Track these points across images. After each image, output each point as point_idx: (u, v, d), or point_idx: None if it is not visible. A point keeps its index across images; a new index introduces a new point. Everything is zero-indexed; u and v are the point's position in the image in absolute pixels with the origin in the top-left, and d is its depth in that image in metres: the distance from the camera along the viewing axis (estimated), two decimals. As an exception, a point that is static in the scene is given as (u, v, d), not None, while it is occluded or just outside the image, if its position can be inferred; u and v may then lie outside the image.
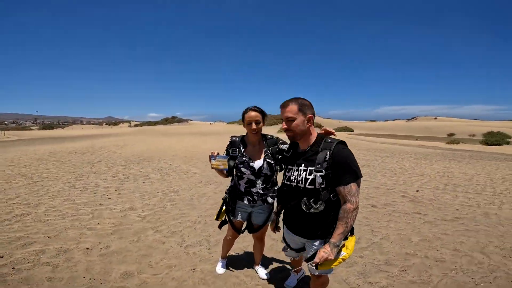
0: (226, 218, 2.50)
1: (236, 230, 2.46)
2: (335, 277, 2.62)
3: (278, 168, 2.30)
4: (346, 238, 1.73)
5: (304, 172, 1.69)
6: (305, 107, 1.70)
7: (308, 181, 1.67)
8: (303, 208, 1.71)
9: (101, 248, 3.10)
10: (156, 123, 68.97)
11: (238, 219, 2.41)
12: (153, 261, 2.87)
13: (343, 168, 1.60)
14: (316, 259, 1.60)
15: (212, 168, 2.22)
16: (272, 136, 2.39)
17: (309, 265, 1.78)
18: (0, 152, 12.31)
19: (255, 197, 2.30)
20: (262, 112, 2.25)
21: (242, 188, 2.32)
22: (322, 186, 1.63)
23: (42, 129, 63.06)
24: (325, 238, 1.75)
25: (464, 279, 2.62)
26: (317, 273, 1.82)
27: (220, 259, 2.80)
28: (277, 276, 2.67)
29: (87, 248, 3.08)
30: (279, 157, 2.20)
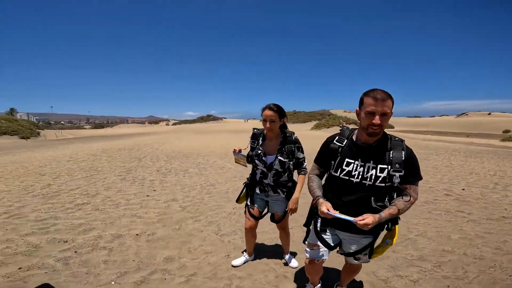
0: (247, 204, 2.61)
1: (253, 216, 2.53)
2: (364, 269, 2.66)
3: (292, 167, 2.36)
4: (394, 225, 1.73)
5: (374, 170, 1.61)
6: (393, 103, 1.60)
7: (380, 179, 1.60)
8: (373, 205, 1.63)
9: (148, 235, 3.42)
10: (192, 121, 71.84)
11: (255, 206, 2.53)
12: (192, 247, 3.12)
13: (415, 169, 1.61)
14: (359, 219, 1.52)
15: (235, 161, 2.51)
16: (292, 135, 2.41)
17: (352, 257, 1.85)
18: (60, 149, 13.91)
19: (266, 188, 2.44)
20: (279, 111, 2.30)
21: (257, 177, 2.48)
22: (398, 186, 1.60)
23: (94, 128, 69.26)
24: (375, 234, 1.76)
25: (501, 276, 2.52)
26: (358, 262, 1.89)
27: (244, 254, 2.84)
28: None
29: (137, 235, 3.42)
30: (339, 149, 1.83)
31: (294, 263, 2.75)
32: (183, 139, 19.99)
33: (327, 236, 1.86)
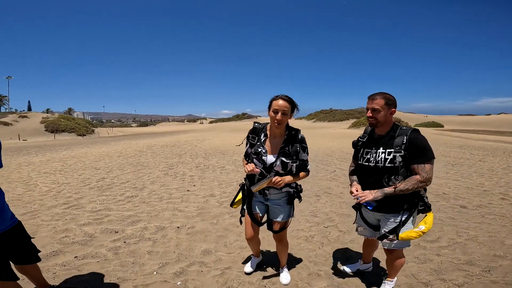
0: (243, 209, 2.36)
1: (255, 221, 2.28)
2: (403, 271, 2.57)
3: (294, 169, 2.12)
4: (424, 213, 2.03)
5: (383, 154, 1.96)
6: (390, 101, 1.96)
7: (388, 160, 1.93)
8: (384, 183, 1.95)
9: (188, 228, 3.62)
10: (228, 120, 73.55)
11: (256, 211, 2.27)
12: (228, 242, 3.24)
13: (419, 150, 1.87)
14: (360, 193, 1.94)
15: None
16: (299, 132, 2.16)
17: (385, 241, 2.04)
18: (112, 145, 15.22)
19: (265, 191, 2.18)
20: (292, 103, 2.04)
21: (255, 179, 2.16)
22: (401, 164, 1.90)
23: (140, 126, 74.36)
24: (399, 212, 1.98)
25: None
26: (392, 247, 2.03)
27: (251, 257, 2.67)
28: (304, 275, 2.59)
29: (178, 227, 3.63)
30: (359, 143, 2.15)
31: (285, 279, 2.42)
32: (220, 137, 20.60)
33: (366, 215, 2.23)
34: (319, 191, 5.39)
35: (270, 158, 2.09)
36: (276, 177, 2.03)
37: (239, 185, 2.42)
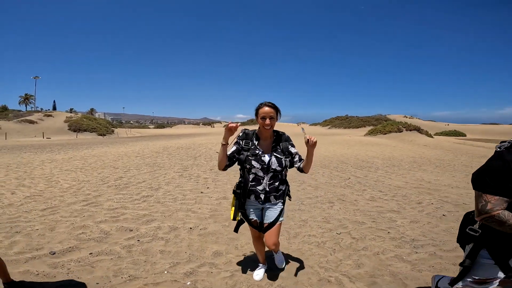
0: (242, 218, 2.41)
1: (256, 228, 2.34)
2: (417, 280, 2.47)
3: (288, 164, 2.29)
4: None
5: None
6: None
7: None
8: None
9: (200, 229, 3.65)
10: (243, 124, 74.08)
11: (252, 217, 2.33)
12: (239, 244, 3.24)
13: None
14: None
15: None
16: (284, 133, 2.39)
17: None
18: (130, 145, 15.66)
19: (261, 195, 2.25)
20: (276, 108, 2.25)
21: (249, 185, 2.25)
22: None
23: (157, 128, 76.15)
24: None
25: None
26: None
27: (259, 264, 2.67)
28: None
29: (190, 228, 3.67)
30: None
31: (257, 275, 2.55)
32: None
33: None
34: (332, 197, 5.31)
35: (267, 157, 2.24)
36: (308, 135, 2.13)
37: (234, 196, 2.37)
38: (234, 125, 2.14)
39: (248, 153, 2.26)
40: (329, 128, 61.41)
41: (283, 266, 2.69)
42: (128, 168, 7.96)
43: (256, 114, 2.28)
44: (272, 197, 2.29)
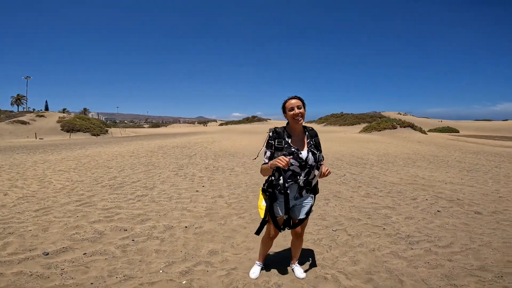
0: (268, 218, 2.37)
1: (279, 228, 2.35)
2: (413, 276, 2.51)
3: (322, 158, 2.27)
4: None
5: None
6: None
7: None
8: None
9: (196, 228, 3.63)
10: (238, 122, 73.91)
11: (281, 214, 2.30)
12: (235, 243, 3.23)
13: None
14: None
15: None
16: (312, 128, 2.35)
17: None
18: (124, 145, 15.53)
19: (296, 192, 2.25)
20: (302, 100, 2.21)
21: (282, 182, 2.20)
22: None
23: (152, 127, 75.68)
24: None
25: None
26: None
27: (256, 262, 2.68)
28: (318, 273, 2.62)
29: (186, 227, 3.64)
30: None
31: (301, 273, 2.55)
32: (230, 139, 20.71)
33: None
34: (328, 194, 5.32)
35: (304, 154, 2.19)
36: (323, 166, 2.13)
37: (265, 193, 2.29)
38: (285, 163, 1.99)
39: (284, 152, 2.16)
40: (324, 125, 61.63)
41: (305, 275, 2.55)
42: (122, 168, 7.88)
43: (284, 109, 2.24)
44: (304, 192, 2.28)
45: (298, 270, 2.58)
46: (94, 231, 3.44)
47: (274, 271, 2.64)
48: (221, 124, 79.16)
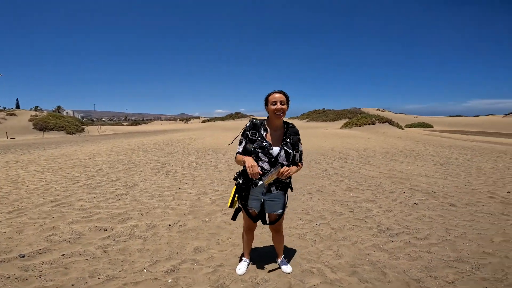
0: (240, 206, 2.37)
1: (252, 218, 2.34)
2: (395, 268, 2.59)
3: (298, 158, 2.24)
4: None
5: None
6: None
7: None
8: None
9: (179, 226, 3.57)
10: (221, 119, 73.39)
11: (251, 207, 2.29)
12: (220, 239, 3.21)
13: None
14: None
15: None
16: (294, 125, 2.29)
17: None
18: (102, 143, 14.98)
19: (265, 187, 2.20)
20: (286, 95, 2.16)
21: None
22: None
23: (131, 125, 73.56)
24: None
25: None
26: None
27: (242, 258, 2.67)
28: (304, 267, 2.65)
29: (169, 225, 3.58)
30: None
31: (287, 268, 2.56)
32: (213, 135, 20.52)
33: None
34: (311, 189, 5.40)
35: (275, 150, 2.15)
36: (284, 167, 2.07)
37: (235, 184, 2.29)
38: (252, 172, 2.01)
39: (255, 145, 2.15)
40: (307, 121, 62.44)
41: (291, 270, 2.57)
42: (100, 167, 7.60)
43: (266, 102, 2.18)
44: (274, 189, 2.24)
45: (285, 265, 2.60)
46: (72, 232, 3.31)
47: (260, 266, 2.65)
48: (204, 121, 78.20)
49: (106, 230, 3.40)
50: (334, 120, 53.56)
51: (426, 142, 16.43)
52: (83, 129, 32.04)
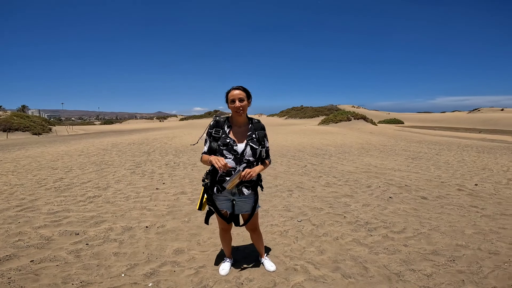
0: (211, 208, 2.30)
1: (225, 219, 2.26)
2: (376, 262, 2.65)
3: (264, 154, 2.21)
4: None
5: None
6: None
7: None
8: None
9: (158, 227, 3.45)
10: (200, 117, 72.34)
11: (221, 208, 2.23)
12: (201, 240, 3.14)
13: None
14: None
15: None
16: (259, 121, 2.26)
17: None
18: (72, 144, 14.17)
19: (241, 189, 2.15)
20: (246, 91, 2.11)
21: (218, 174, 2.13)
22: None
23: (104, 124, 70.42)
24: None
25: (518, 272, 2.45)
26: None
27: (225, 258, 2.62)
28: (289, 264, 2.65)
29: (147, 227, 3.44)
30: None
31: (271, 266, 2.53)
32: (192, 134, 20.11)
33: None
34: (291, 185, 5.43)
35: (240, 147, 2.10)
36: (246, 170, 2.01)
37: (203, 185, 2.22)
38: (220, 165, 1.93)
39: (219, 143, 2.09)
40: (286, 118, 63.07)
41: (275, 268, 2.54)
42: (70, 168, 7.16)
43: (226, 99, 2.13)
44: (243, 188, 2.18)
45: (268, 263, 2.57)
46: (41, 237, 3.12)
47: (244, 266, 2.61)
48: (182, 119, 76.54)
49: (78, 234, 3.23)
50: (312, 117, 54.54)
51: (398, 138, 17.18)
52: (50, 129, 30.18)
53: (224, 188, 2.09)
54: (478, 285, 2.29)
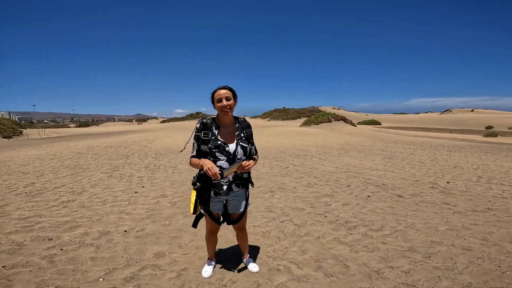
0: (202, 211, 2.28)
1: (216, 221, 2.28)
2: (356, 260, 2.70)
3: (254, 152, 2.25)
4: None
5: None
6: None
7: None
8: None
9: (137, 231, 3.36)
10: (181, 119, 71.16)
11: (214, 211, 2.23)
12: (182, 243, 3.09)
13: None
14: None
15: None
16: (245, 119, 2.27)
17: None
18: (44, 147, 13.47)
19: (224, 187, 2.15)
20: (232, 90, 2.12)
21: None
22: None
23: (79, 127, 67.56)
24: None
25: (490, 267, 2.58)
26: None
27: (207, 260, 2.60)
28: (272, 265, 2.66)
29: (125, 231, 3.35)
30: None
31: (254, 267, 2.53)
32: (172, 136, 19.75)
33: None
34: (273, 186, 5.46)
35: (231, 147, 2.11)
36: (245, 161, 2.03)
37: (194, 189, 2.18)
38: (212, 173, 1.92)
39: (209, 145, 2.07)
40: (268, 120, 63.38)
41: (258, 269, 2.54)
42: (41, 173, 6.80)
43: (212, 100, 2.13)
44: (234, 186, 2.19)
45: (251, 264, 2.57)
46: (12, 243, 3.00)
47: (227, 267, 2.59)
48: (162, 121, 74.92)
49: (51, 239, 3.11)
50: (294, 119, 55.19)
51: (375, 138, 17.77)
52: (21, 132, 28.56)
53: (222, 176, 2.04)
54: (454, 281, 2.36)
